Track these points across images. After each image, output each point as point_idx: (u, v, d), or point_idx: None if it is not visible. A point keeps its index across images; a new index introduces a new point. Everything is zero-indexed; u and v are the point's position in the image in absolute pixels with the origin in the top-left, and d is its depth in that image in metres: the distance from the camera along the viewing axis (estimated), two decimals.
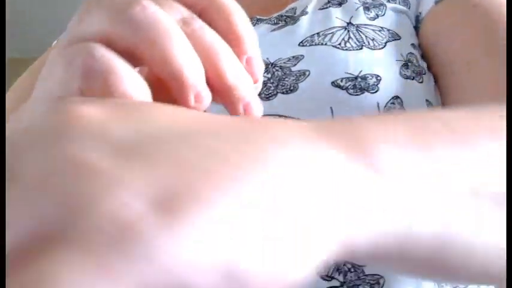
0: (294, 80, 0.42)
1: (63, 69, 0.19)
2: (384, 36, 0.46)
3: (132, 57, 0.19)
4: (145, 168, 0.13)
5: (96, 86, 0.18)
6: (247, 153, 0.14)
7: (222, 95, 0.21)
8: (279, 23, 0.50)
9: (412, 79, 0.43)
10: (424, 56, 0.49)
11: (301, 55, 0.43)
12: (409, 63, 0.45)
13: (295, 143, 0.16)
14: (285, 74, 0.42)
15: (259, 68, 0.22)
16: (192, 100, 0.19)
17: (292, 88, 0.41)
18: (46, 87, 0.20)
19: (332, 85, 0.41)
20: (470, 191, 0.18)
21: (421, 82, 0.44)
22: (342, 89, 0.40)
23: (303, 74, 0.42)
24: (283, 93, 0.41)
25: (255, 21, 0.53)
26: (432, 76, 0.47)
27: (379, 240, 0.16)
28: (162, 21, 0.19)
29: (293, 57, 0.44)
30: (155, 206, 0.12)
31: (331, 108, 0.40)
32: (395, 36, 0.47)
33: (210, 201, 0.13)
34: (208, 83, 0.20)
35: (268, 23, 0.50)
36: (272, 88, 0.42)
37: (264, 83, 0.42)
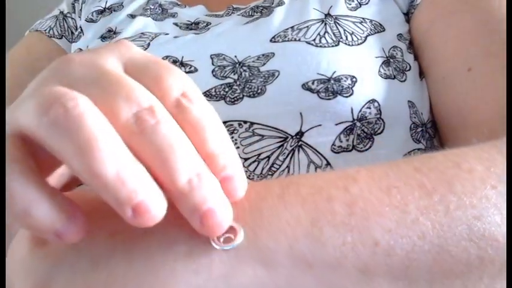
0: (262, 81, 0.38)
1: None
2: (365, 29, 0.42)
3: None
4: None
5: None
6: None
7: (176, 202, 0.18)
8: (253, 15, 0.46)
9: (393, 78, 0.40)
10: (412, 44, 0.45)
11: (272, 53, 0.40)
12: (391, 60, 0.41)
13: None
14: (252, 74, 0.39)
15: (240, 187, 0.20)
16: (128, 215, 0.17)
17: (259, 91, 0.38)
18: None
19: (302, 88, 0.37)
20: (359, 271, 0.20)
21: (404, 81, 0.40)
22: (313, 93, 0.37)
23: (272, 75, 0.38)
24: (249, 96, 0.38)
25: (230, 10, 0.49)
26: (418, 69, 0.43)
27: None
28: (86, 128, 0.16)
29: (263, 55, 0.40)
30: None
31: (300, 113, 0.37)
32: (378, 28, 0.43)
33: None
34: (163, 188, 0.18)
35: (243, 15, 0.47)
36: (238, 91, 0.38)
37: (230, 85, 0.39)
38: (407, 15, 0.46)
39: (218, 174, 0.19)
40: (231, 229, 0.19)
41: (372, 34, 0.42)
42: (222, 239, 0.19)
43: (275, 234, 0.20)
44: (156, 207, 0.17)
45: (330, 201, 0.21)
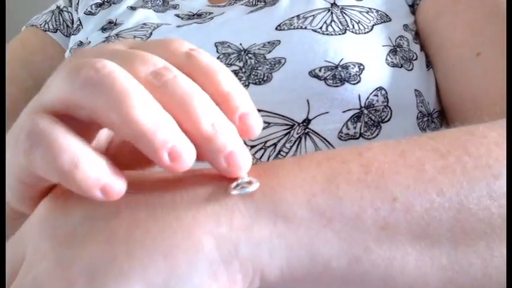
0: (268, 69, 0.38)
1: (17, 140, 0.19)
2: (371, 19, 0.42)
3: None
4: (79, 247, 0.18)
5: (39, 158, 0.18)
6: (165, 233, 0.18)
7: (201, 147, 0.19)
8: (257, 4, 0.46)
9: (400, 67, 0.39)
10: (418, 35, 0.45)
11: (278, 40, 0.39)
12: (398, 49, 0.40)
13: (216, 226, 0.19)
14: (258, 62, 0.38)
15: (257, 124, 0.20)
16: (166, 159, 0.17)
17: (265, 78, 0.37)
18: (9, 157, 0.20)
19: (309, 75, 0.37)
20: (379, 228, 0.20)
21: (411, 69, 0.40)
22: (320, 80, 0.36)
23: (278, 62, 0.38)
24: (255, 83, 0.37)
25: (233, 0, 0.49)
26: (425, 59, 0.43)
27: (285, 271, 0.19)
28: (118, 82, 0.18)
29: (268, 42, 0.39)
30: (86, 277, 0.17)
31: (307, 101, 0.36)
32: (384, 18, 0.43)
33: (125, 275, 0.17)
34: (188, 138, 0.19)
35: (247, 5, 0.46)
36: (244, 78, 0.38)
37: (236, 73, 0.38)
38: (413, 7, 0.46)
39: (235, 113, 0.19)
40: (248, 183, 0.19)
41: (378, 24, 0.42)
42: (239, 188, 0.19)
43: (292, 189, 0.20)
44: (187, 152, 0.18)
45: (345, 163, 0.21)
